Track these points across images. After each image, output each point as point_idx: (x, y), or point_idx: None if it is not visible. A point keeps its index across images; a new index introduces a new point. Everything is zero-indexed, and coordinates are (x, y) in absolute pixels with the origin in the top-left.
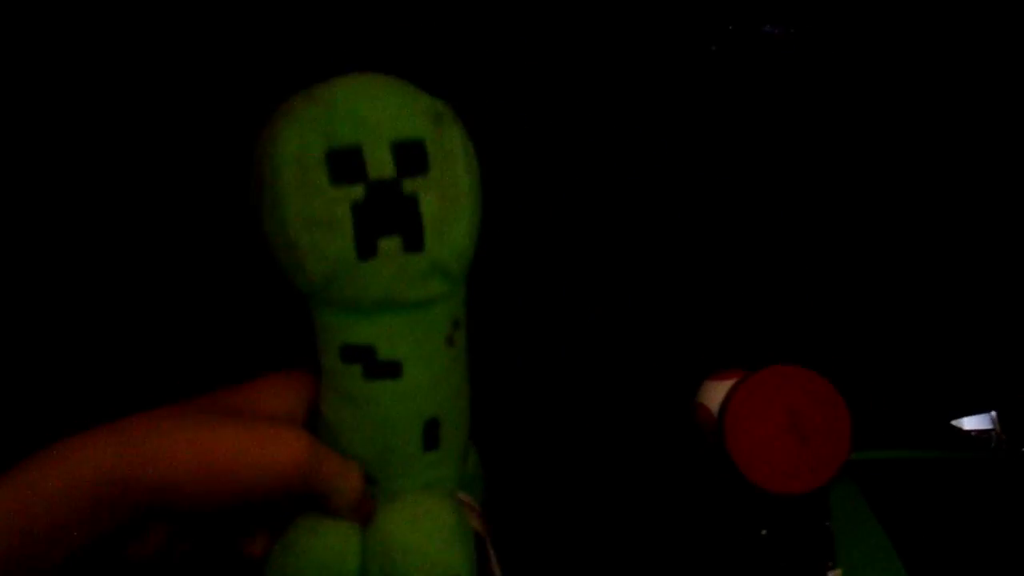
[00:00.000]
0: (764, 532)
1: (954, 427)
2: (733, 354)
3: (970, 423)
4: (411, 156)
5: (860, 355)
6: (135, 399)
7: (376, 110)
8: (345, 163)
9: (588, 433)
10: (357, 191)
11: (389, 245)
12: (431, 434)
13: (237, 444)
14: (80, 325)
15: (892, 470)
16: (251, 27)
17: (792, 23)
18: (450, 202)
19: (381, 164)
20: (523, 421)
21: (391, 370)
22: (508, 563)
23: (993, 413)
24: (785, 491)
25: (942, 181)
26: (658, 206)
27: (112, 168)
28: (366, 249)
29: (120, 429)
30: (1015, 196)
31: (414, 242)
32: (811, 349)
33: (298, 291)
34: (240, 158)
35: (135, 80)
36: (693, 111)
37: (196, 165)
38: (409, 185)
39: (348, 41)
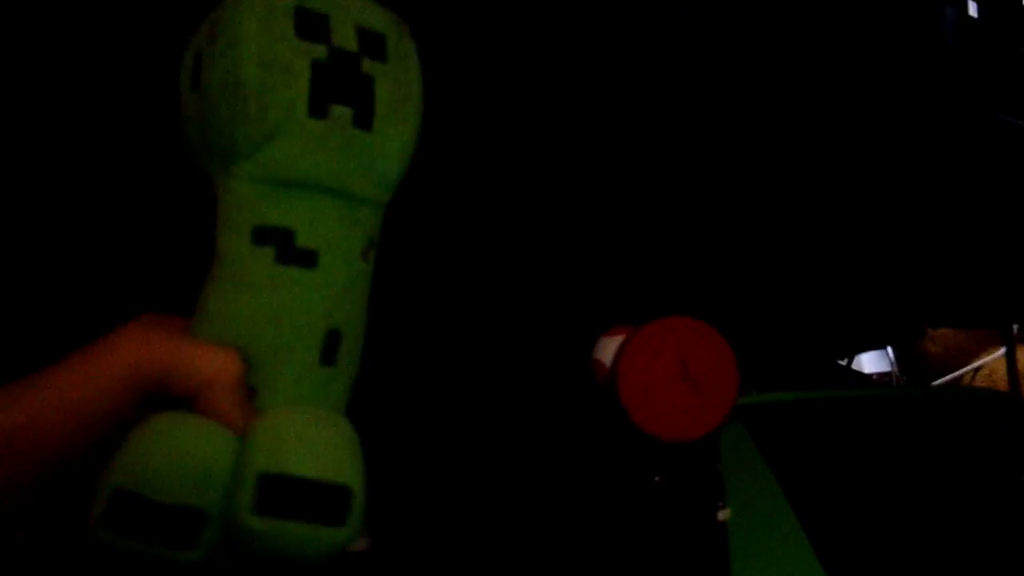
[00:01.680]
0: (658, 478)
1: (845, 368)
2: (625, 311)
3: (870, 366)
4: (373, 43)
5: (744, 302)
6: None
7: None
8: (312, 22)
9: (488, 388)
10: (320, 50)
11: (341, 113)
12: (331, 347)
13: (62, 386)
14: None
15: (777, 412)
16: None
17: None
18: (401, 100)
19: (346, 37)
20: (422, 377)
21: (308, 258)
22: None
23: (890, 353)
24: (677, 437)
25: (817, 127)
26: (550, 168)
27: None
28: (318, 107)
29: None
30: (887, 130)
31: (365, 119)
32: (697, 300)
33: (215, 162)
34: None
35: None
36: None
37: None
38: (368, 65)
39: None
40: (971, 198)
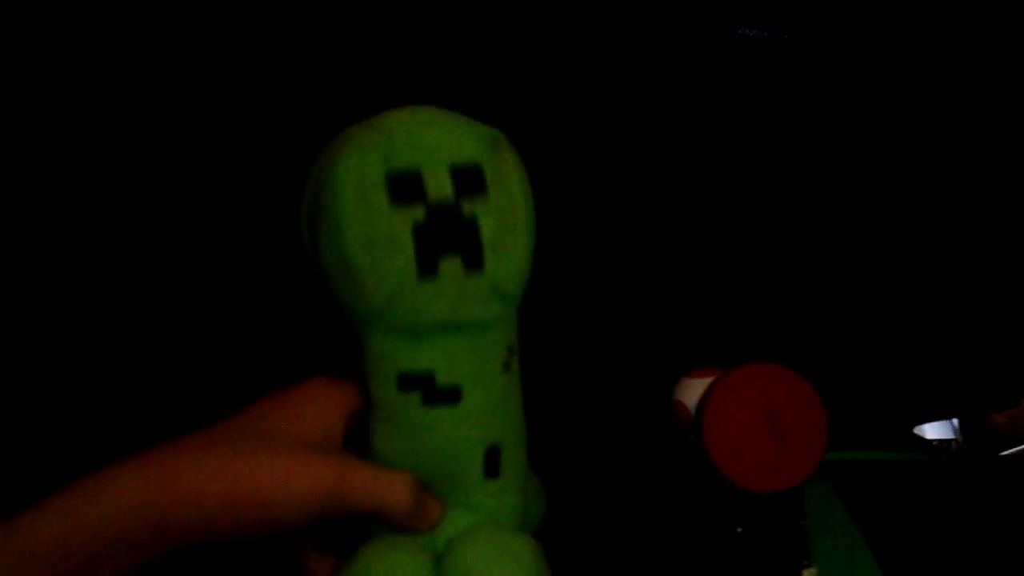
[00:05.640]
0: (740, 530)
1: (916, 435)
2: (710, 352)
3: (932, 432)
4: (469, 179)
5: (836, 357)
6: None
7: (434, 135)
8: (405, 185)
9: (568, 430)
10: (417, 212)
11: (450, 265)
12: (492, 461)
13: (265, 477)
14: (108, 333)
15: (866, 471)
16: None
17: (769, 26)
18: (508, 224)
19: (440, 186)
20: None
21: (451, 396)
22: None
23: (955, 421)
24: (761, 488)
25: (918, 187)
26: (638, 205)
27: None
28: (427, 267)
29: (157, 463)
30: (990, 207)
31: (474, 261)
32: (787, 348)
33: (353, 320)
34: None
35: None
36: (674, 112)
37: (223, 169)
38: (468, 207)
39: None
40: None
